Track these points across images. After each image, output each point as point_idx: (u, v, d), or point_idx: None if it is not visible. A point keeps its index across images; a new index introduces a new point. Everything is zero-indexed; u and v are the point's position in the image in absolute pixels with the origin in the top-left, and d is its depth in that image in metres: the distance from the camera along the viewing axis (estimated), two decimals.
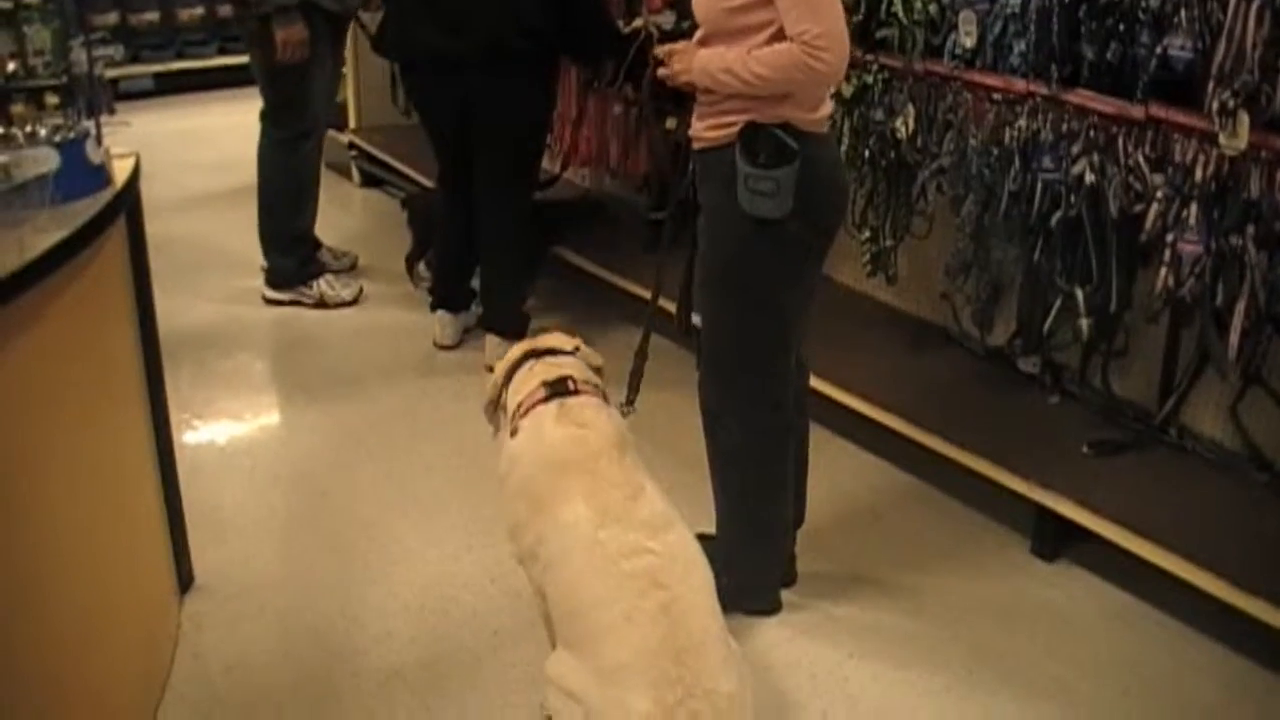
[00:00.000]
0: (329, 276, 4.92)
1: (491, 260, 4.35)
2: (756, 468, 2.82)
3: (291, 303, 4.88)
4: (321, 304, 4.87)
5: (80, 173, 2.42)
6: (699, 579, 2.20)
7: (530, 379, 2.47)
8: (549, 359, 2.52)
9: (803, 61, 2.41)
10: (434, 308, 4.53)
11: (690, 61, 2.60)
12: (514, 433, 2.43)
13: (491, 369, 2.66)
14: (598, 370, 2.60)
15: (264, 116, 4.75)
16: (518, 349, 2.61)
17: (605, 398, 2.51)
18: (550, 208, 4.77)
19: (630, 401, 2.72)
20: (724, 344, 2.76)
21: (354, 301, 4.91)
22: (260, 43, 4.49)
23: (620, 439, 2.37)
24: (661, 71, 2.71)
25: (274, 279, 4.91)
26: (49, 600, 2.16)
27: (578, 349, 2.61)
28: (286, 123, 4.70)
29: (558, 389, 2.42)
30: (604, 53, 4.41)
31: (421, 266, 4.96)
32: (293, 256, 4.87)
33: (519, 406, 2.44)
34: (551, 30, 4.04)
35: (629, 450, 2.36)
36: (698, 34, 2.62)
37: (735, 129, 2.54)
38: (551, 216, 4.74)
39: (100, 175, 2.49)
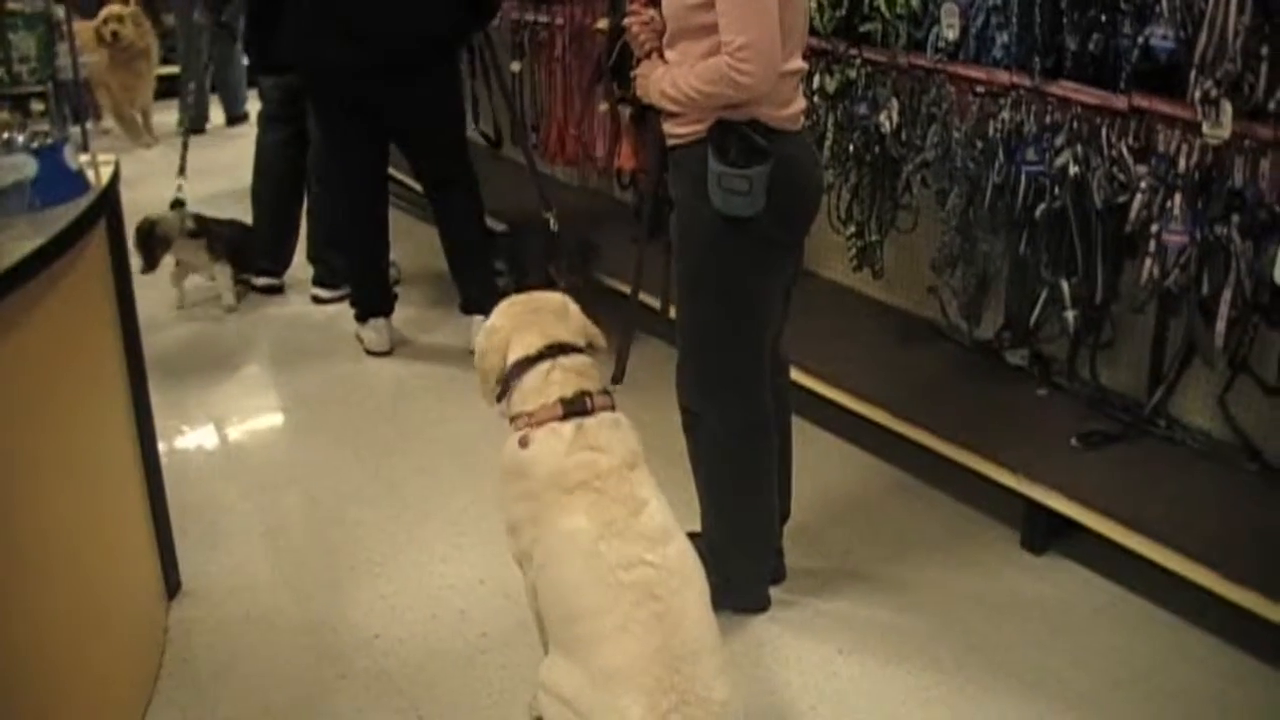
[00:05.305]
0: None
1: (461, 248, 4.40)
2: (736, 463, 2.81)
3: (346, 296, 4.71)
4: None
5: (59, 179, 2.43)
6: (695, 590, 2.19)
7: (547, 388, 2.33)
8: (565, 361, 2.35)
9: (727, 75, 2.39)
10: (363, 318, 4.48)
11: (646, 82, 2.61)
12: (524, 443, 2.31)
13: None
14: (593, 347, 2.48)
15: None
16: (509, 318, 2.42)
17: (613, 403, 2.39)
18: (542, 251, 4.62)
19: (618, 379, 2.69)
20: (698, 340, 2.75)
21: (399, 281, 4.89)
22: None
23: (631, 457, 2.30)
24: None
25: (332, 275, 4.85)
26: (35, 606, 2.15)
27: (591, 344, 2.46)
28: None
29: (575, 408, 2.30)
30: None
31: None
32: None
33: (530, 415, 2.33)
34: (453, 35, 4.10)
35: (639, 466, 2.31)
36: (666, 33, 2.60)
37: (703, 126, 2.53)
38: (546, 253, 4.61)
39: (79, 180, 2.49)
